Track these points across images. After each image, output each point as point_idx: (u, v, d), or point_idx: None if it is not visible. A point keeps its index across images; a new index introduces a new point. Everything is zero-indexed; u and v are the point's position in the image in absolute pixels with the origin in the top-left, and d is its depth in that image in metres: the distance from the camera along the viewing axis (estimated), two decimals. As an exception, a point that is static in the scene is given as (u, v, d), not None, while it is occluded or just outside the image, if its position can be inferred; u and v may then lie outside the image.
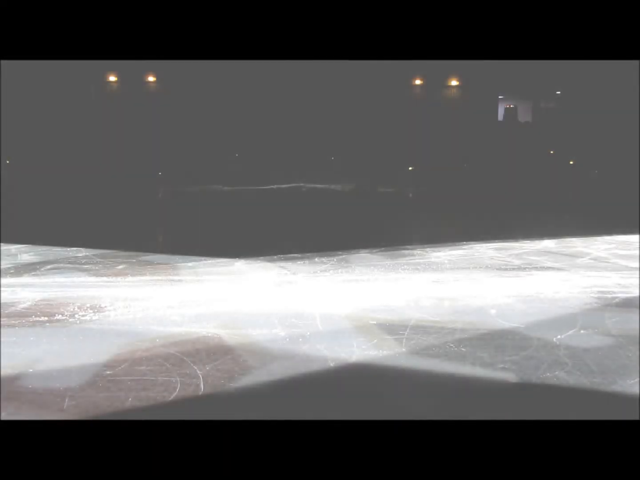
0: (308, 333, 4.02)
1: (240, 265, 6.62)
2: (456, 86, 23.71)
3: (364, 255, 7.34)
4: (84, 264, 6.58)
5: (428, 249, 7.87)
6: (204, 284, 5.60)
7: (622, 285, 5.55)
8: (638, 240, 8.42)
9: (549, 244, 8.52)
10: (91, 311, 4.52)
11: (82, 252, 7.32)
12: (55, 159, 20.67)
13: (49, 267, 6.37)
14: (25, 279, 5.72)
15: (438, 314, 4.53)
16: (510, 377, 3.26)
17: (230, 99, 22.66)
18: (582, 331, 4.09)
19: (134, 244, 8.25)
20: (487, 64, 22.36)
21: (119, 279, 5.75)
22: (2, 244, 7.82)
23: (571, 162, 21.45)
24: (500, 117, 24.78)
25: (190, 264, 6.60)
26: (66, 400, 2.95)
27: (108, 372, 3.32)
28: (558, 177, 20.03)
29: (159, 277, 5.86)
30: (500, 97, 24.87)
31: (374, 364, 3.48)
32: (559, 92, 24.79)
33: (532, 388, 3.14)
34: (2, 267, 6.28)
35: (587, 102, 22.36)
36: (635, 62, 18.79)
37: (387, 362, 3.50)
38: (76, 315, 4.40)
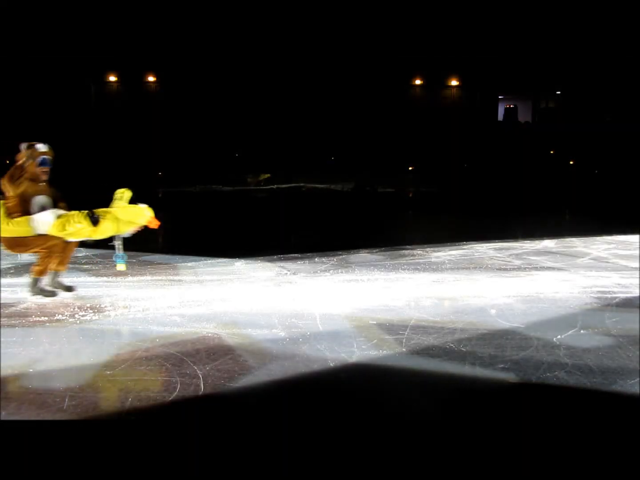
0: (308, 333, 4.02)
1: (240, 265, 6.62)
2: (456, 86, 23.70)
3: (364, 255, 7.34)
4: (84, 264, 6.57)
5: (428, 249, 7.87)
6: (204, 284, 5.60)
7: (622, 285, 5.55)
8: (638, 240, 8.41)
9: (549, 244, 8.52)
10: (91, 311, 4.52)
11: (82, 252, 7.32)
12: (54, 159, 20.65)
13: (49, 267, 6.37)
14: (25, 279, 5.72)
15: (438, 314, 4.53)
16: (510, 377, 3.26)
17: (230, 99, 22.65)
18: (582, 331, 4.09)
19: (134, 244, 8.23)
20: (487, 63, 22.37)
21: (119, 279, 5.75)
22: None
23: (571, 162, 21.45)
24: (500, 117, 24.78)
25: (190, 264, 6.60)
26: (66, 400, 2.95)
27: (108, 372, 3.32)
28: (558, 177, 20.04)
29: (159, 277, 5.86)
30: (500, 97, 24.88)
31: (374, 364, 3.48)
32: (559, 92, 24.79)
33: (532, 388, 3.14)
34: (2, 267, 6.28)
35: (587, 102, 22.34)
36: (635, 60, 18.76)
37: (387, 362, 3.50)
38: (76, 315, 4.41)
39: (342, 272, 6.15)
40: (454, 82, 23.58)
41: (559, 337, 3.94)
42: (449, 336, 3.96)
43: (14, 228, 4.71)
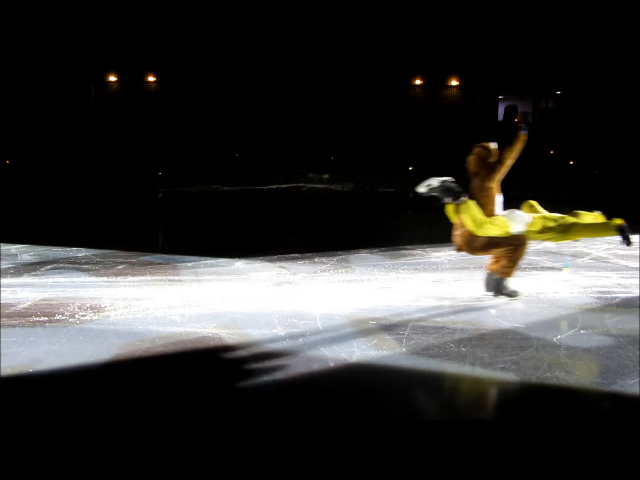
0: (308, 333, 4.02)
1: (240, 265, 6.61)
2: (456, 86, 23.71)
3: (364, 255, 7.33)
4: (84, 264, 6.57)
5: (428, 249, 7.86)
6: (204, 284, 5.60)
7: (622, 285, 5.55)
8: (638, 240, 8.39)
9: (549, 244, 8.50)
10: (91, 311, 4.52)
11: (82, 252, 7.32)
12: (55, 159, 20.66)
13: (49, 267, 6.37)
14: (25, 279, 5.72)
15: (438, 314, 4.53)
16: (510, 377, 3.26)
17: (230, 98, 22.65)
18: (582, 331, 4.09)
19: (134, 244, 8.24)
20: (487, 63, 22.38)
21: (119, 279, 5.75)
22: (2, 244, 7.81)
23: (571, 162, 21.45)
24: (500, 117, 24.78)
25: (190, 264, 6.59)
26: (70, 396, 2.95)
27: (108, 372, 3.32)
28: (558, 176, 20.03)
29: (159, 277, 5.86)
30: (500, 97, 24.88)
31: (374, 364, 3.48)
32: (559, 92, 24.79)
33: (532, 388, 3.14)
34: (2, 267, 6.28)
35: (587, 102, 22.34)
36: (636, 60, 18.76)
37: (387, 362, 3.50)
38: (76, 315, 4.41)
39: (342, 272, 6.15)
40: (454, 82, 23.58)
41: (559, 337, 3.94)
42: (449, 336, 3.96)
43: (495, 228, 4.66)
